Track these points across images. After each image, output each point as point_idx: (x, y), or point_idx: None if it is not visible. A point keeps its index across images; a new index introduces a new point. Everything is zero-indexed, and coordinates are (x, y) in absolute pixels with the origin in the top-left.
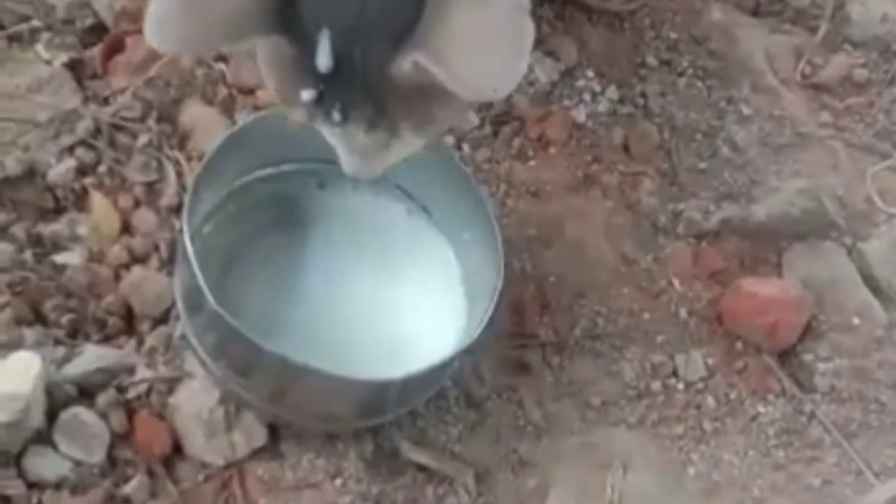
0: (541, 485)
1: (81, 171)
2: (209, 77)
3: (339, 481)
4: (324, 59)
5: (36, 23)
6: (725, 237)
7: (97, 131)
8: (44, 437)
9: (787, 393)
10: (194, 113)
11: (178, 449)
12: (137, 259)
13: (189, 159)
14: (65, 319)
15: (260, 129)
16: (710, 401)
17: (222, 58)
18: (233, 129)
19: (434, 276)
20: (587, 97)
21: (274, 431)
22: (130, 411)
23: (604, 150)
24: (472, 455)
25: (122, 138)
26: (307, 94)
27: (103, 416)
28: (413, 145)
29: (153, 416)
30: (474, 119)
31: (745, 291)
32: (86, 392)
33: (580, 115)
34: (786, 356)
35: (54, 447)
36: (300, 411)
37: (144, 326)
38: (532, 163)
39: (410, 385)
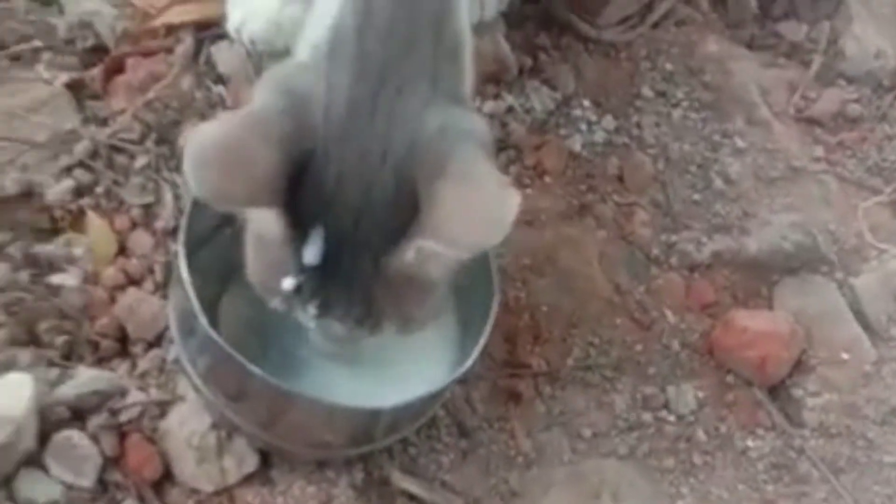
0: None
1: (79, 191)
2: (208, 100)
3: None
4: (312, 254)
5: (37, 43)
6: (717, 269)
7: (95, 152)
8: (35, 460)
9: (776, 427)
10: None
11: (168, 474)
12: (133, 281)
13: (187, 182)
14: (59, 341)
15: None
16: (701, 434)
17: (221, 80)
18: None
19: None
20: (583, 126)
21: (265, 458)
22: (122, 434)
23: (599, 179)
24: (462, 484)
25: (121, 160)
26: (287, 283)
27: (95, 438)
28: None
29: (144, 439)
30: None
31: (736, 325)
32: (78, 414)
33: (576, 144)
34: (776, 390)
35: (45, 470)
36: (291, 438)
37: (138, 349)
38: (528, 191)
39: (401, 414)
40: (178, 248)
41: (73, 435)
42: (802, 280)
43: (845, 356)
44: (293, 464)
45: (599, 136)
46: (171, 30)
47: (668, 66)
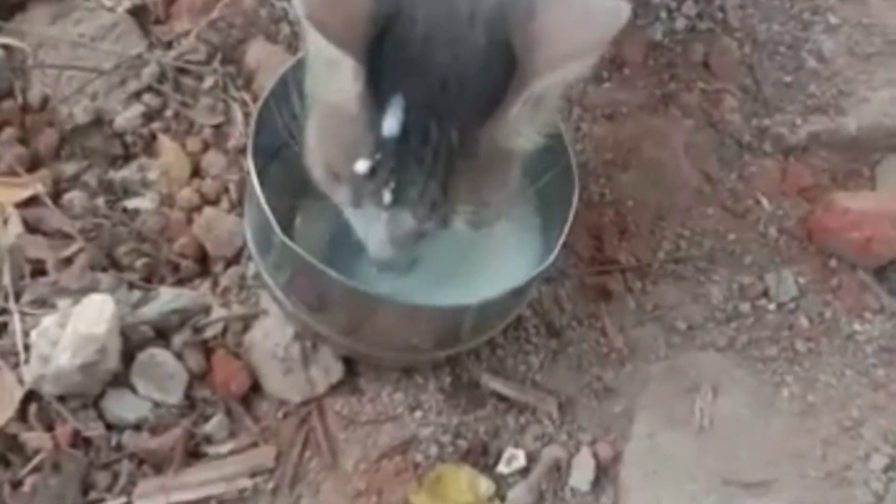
0: (626, 411)
1: (149, 116)
2: (272, 16)
3: (418, 413)
4: (391, 124)
5: None
6: (814, 151)
7: (163, 76)
8: (121, 380)
9: (885, 310)
10: (259, 53)
11: (255, 387)
12: (208, 201)
13: (255, 99)
14: (139, 264)
15: None
16: (804, 321)
17: None
18: (292, 62)
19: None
20: (663, 14)
21: (351, 366)
22: (207, 351)
23: (682, 68)
24: (553, 384)
25: (188, 82)
26: (362, 165)
27: (180, 356)
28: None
29: (230, 354)
30: None
31: (837, 206)
32: (162, 333)
33: (656, 33)
34: (883, 272)
35: (132, 389)
36: (376, 343)
37: (218, 267)
38: (606, 84)
39: (486, 312)
40: (248, 162)
41: (158, 353)
42: None
43: None
44: (380, 371)
45: (681, 24)
46: None
47: None
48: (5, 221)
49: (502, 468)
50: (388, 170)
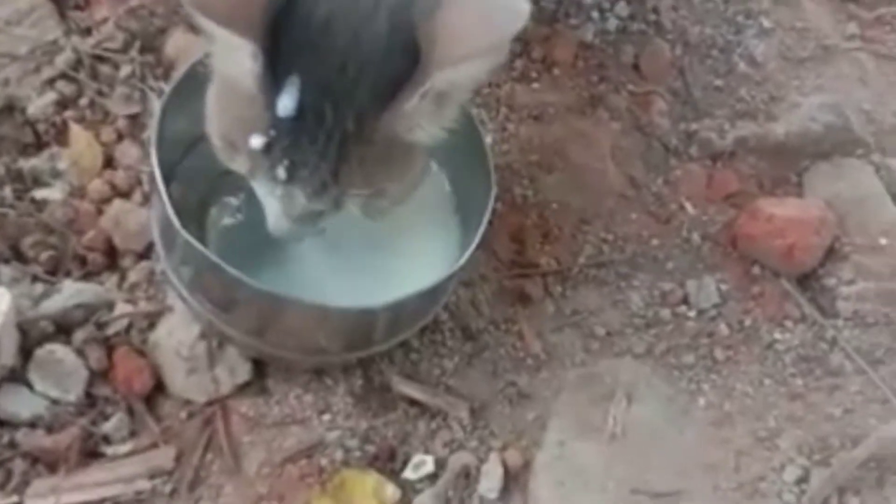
0: (539, 417)
1: (62, 104)
2: None
3: (326, 417)
4: (286, 104)
5: None
6: (742, 157)
7: (79, 63)
8: (17, 376)
9: (806, 319)
10: (179, 43)
11: (159, 386)
12: (120, 193)
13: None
14: (44, 256)
15: None
16: (724, 328)
17: None
18: (203, 54)
19: (428, 205)
20: (595, 15)
21: (259, 367)
22: (109, 348)
23: (612, 69)
24: (467, 389)
25: (105, 70)
26: (256, 141)
27: (81, 353)
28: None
29: (133, 352)
30: None
31: (761, 213)
32: (63, 329)
33: (587, 33)
34: (806, 280)
35: (29, 385)
36: (283, 345)
37: (127, 262)
38: (535, 85)
39: (398, 314)
40: (152, 154)
41: (57, 349)
42: (835, 164)
43: (883, 241)
44: (289, 372)
45: (613, 24)
46: None
47: None
48: None
49: (409, 474)
50: (281, 148)
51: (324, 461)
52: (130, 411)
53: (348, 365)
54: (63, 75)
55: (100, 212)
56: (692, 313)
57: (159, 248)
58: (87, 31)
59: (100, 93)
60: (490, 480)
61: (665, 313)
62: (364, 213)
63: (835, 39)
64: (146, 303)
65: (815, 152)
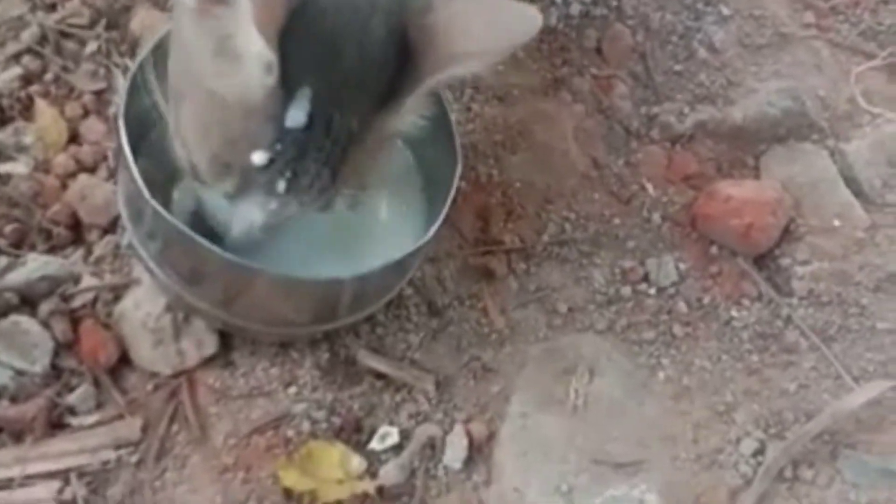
0: (503, 390)
1: (27, 79)
2: None
3: (293, 389)
4: (297, 115)
5: None
6: (701, 140)
7: (44, 39)
8: None
9: (763, 297)
10: (145, 19)
11: (124, 358)
12: (85, 168)
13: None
14: (9, 229)
15: None
16: (682, 306)
17: None
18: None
19: (394, 183)
20: (558, 0)
21: (225, 340)
22: (75, 320)
23: (575, 53)
24: (432, 363)
25: (70, 46)
26: (260, 157)
27: (46, 324)
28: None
29: (98, 324)
30: None
31: (719, 194)
32: (28, 301)
33: (551, 17)
34: (762, 260)
35: None
36: (250, 316)
37: (92, 236)
38: (499, 67)
39: (364, 287)
40: (119, 125)
41: (22, 321)
42: (791, 148)
43: (837, 223)
44: (255, 345)
45: (576, 9)
46: None
47: None
48: None
49: (375, 445)
50: (286, 160)
51: (290, 433)
52: (96, 383)
53: (314, 338)
54: (28, 50)
55: (65, 186)
56: (652, 291)
57: (126, 222)
58: (53, 7)
59: (65, 68)
60: (455, 451)
61: (626, 290)
62: (349, 207)
63: (792, 27)
64: (112, 276)
65: (772, 136)
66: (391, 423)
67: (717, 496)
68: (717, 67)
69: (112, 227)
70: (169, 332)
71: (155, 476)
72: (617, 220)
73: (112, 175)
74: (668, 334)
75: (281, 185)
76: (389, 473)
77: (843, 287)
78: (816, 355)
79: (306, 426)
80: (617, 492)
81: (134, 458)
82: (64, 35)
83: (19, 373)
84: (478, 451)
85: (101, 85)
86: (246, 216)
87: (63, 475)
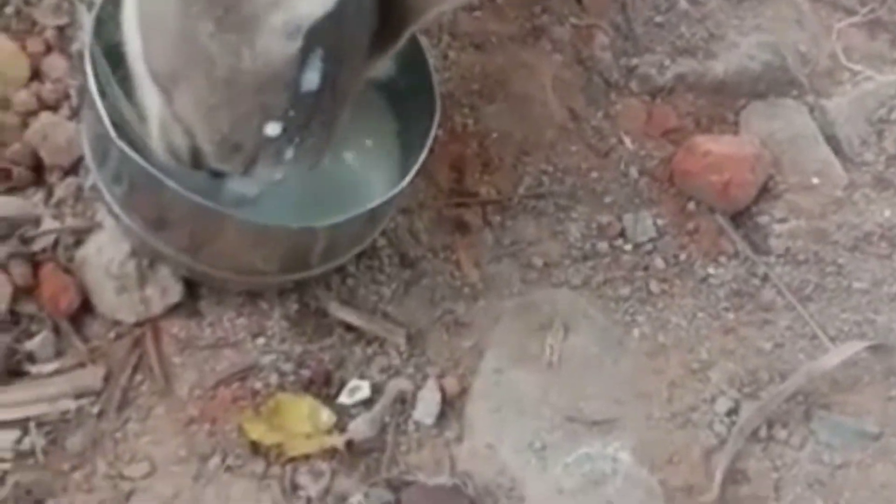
0: (476, 345)
1: None
2: None
3: (261, 340)
4: (311, 78)
5: None
6: (681, 94)
7: None
8: None
9: (739, 255)
10: None
11: (87, 305)
12: (47, 107)
13: None
14: None
15: None
16: (659, 262)
17: None
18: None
19: (368, 128)
20: None
21: (192, 289)
22: (35, 264)
23: (555, 1)
24: (404, 315)
25: None
26: (274, 128)
27: (4, 268)
28: None
29: (60, 269)
30: None
31: (698, 149)
32: None
33: None
34: (740, 217)
35: None
36: (218, 264)
37: (53, 177)
38: (477, 13)
39: (336, 236)
40: (86, 63)
41: None
42: (771, 103)
43: (815, 181)
44: (222, 294)
45: None
46: None
47: None
48: None
49: (344, 399)
50: (297, 126)
51: (258, 385)
52: (56, 329)
53: (284, 288)
54: None
55: (25, 125)
56: (629, 247)
57: (90, 163)
58: None
59: (27, 2)
60: (426, 406)
61: (602, 246)
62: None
63: None
64: (73, 219)
65: (752, 91)
66: (362, 377)
67: (691, 455)
68: (698, 19)
69: (74, 168)
70: (133, 278)
71: (117, 427)
72: (594, 174)
73: (74, 114)
74: (644, 291)
75: (289, 153)
76: (359, 428)
77: (820, 246)
78: (792, 314)
79: (274, 378)
80: (590, 449)
81: (95, 409)
82: None
83: None
84: (450, 407)
85: (64, 20)
86: (247, 188)
87: (21, 424)
